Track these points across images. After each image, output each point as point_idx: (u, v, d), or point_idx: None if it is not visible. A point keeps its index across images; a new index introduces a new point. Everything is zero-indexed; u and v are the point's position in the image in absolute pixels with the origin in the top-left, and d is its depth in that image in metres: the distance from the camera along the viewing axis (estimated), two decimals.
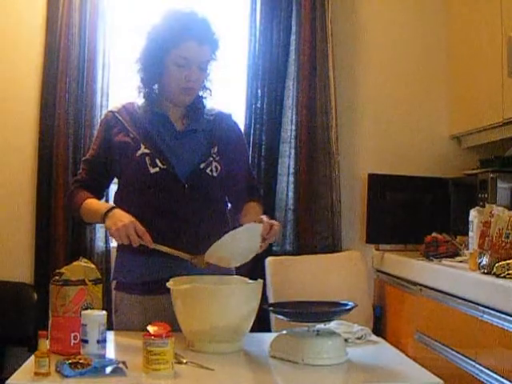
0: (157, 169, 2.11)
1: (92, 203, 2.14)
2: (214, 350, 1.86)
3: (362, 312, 3.18)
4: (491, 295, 2.30)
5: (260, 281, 1.94)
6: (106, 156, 2.18)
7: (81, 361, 1.63)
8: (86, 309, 1.81)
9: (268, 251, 3.01)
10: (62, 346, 1.79)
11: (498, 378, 2.22)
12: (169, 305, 1.94)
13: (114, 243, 3.03)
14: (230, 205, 2.31)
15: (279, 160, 3.51)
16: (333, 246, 3.48)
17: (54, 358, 1.66)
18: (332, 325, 1.98)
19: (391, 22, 3.70)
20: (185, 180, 2.12)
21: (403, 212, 3.48)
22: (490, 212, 2.45)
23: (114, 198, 2.24)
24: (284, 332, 1.87)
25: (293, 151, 3.50)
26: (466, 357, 2.45)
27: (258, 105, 3.49)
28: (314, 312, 1.90)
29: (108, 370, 1.65)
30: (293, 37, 3.51)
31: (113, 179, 2.29)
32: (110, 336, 1.95)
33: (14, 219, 3.42)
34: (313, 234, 3.47)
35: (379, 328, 3.29)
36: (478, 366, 2.36)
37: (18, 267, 3.39)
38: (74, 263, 1.90)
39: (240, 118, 3.31)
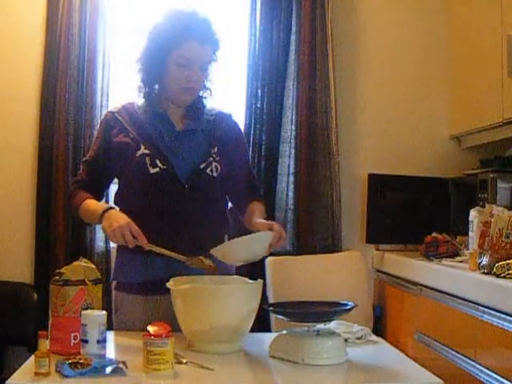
0: (157, 169, 2.11)
1: (90, 204, 2.14)
2: (214, 350, 1.86)
3: (362, 312, 3.18)
4: (491, 295, 2.30)
5: (260, 281, 1.94)
6: (106, 157, 2.18)
7: (81, 361, 1.63)
8: (86, 309, 1.81)
9: None
10: (62, 346, 1.79)
11: (498, 378, 2.22)
12: (169, 305, 1.94)
13: (113, 243, 3.03)
14: (230, 204, 2.31)
15: (279, 160, 3.51)
16: (333, 246, 3.48)
17: (54, 358, 1.66)
18: (332, 325, 1.98)
19: (391, 22, 3.70)
20: (185, 180, 2.12)
21: (403, 212, 3.48)
22: (490, 212, 2.45)
23: (114, 198, 2.24)
24: (284, 332, 1.87)
25: (293, 151, 3.50)
26: (466, 357, 2.45)
27: (258, 105, 3.49)
28: (314, 312, 1.90)
29: (108, 370, 1.65)
30: (293, 37, 3.51)
31: (113, 180, 2.29)
32: (110, 336, 1.95)
33: (14, 219, 3.42)
34: (313, 233, 3.47)
35: (379, 328, 3.29)
36: (477, 365, 2.36)
37: (18, 267, 3.39)
38: (74, 263, 1.90)
39: (240, 118, 3.30)
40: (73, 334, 1.79)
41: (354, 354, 1.86)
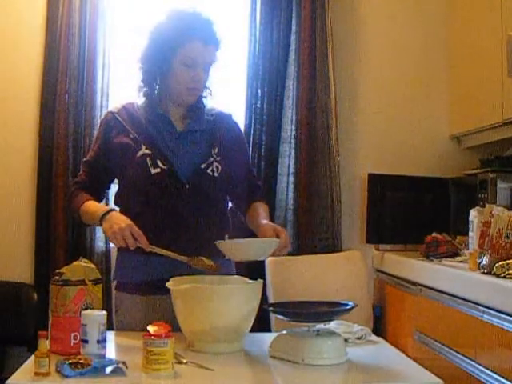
0: (158, 169, 2.11)
1: (90, 205, 2.14)
2: (214, 350, 1.86)
3: (362, 312, 3.18)
4: (491, 295, 2.30)
5: (260, 281, 1.94)
6: (106, 157, 2.18)
7: (81, 361, 1.63)
8: (86, 309, 1.81)
9: None
10: (62, 345, 1.79)
11: (498, 377, 2.22)
12: (170, 305, 1.94)
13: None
14: (230, 204, 2.31)
15: (279, 160, 3.51)
16: (333, 246, 3.48)
17: (54, 358, 1.66)
18: (332, 325, 1.98)
19: (391, 22, 3.70)
20: (186, 180, 2.12)
21: (403, 212, 3.48)
22: (490, 212, 2.45)
23: (114, 199, 2.24)
24: (284, 332, 1.87)
25: (293, 151, 3.50)
26: (466, 357, 2.45)
27: (258, 105, 3.49)
28: (314, 312, 1.90)
29: (108, 369, 1.65)
30: (293, 37, 3.51)
31: (113, 180, 2.29)
32: (110, 336, 1.95)
33: (14, 219, 3.42)
34: (313, 233, 3.47)
35: (379, 328, 3.29)
36: (477, 365, 2.36)
37: (18, 267, 3.39)
38: (74, 263, 1.90)
39: (240, 118, 3.30)
40: (73, 334, 1.79)
41: (354, 354, 1.86)
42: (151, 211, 2.11)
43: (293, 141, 3.50)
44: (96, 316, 1.76)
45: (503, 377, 2.19)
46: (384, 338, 2.25)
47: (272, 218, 2.20)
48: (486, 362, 2.32)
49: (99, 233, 3.36)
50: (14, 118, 3.45)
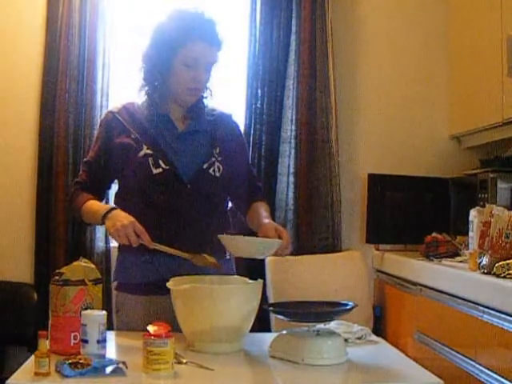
0: (160, 169, 2.11)
1: (92, 205, 2.14)
2: (214, 350, 1.86)
3: (362, 312, 3.18)
4: (491, 295, 2.30)
5: (260, 281, 1.94)
6: (107, 157, 2.18)
7: (81, 361, 1.63)
8: (86, 309, 1.81)
9: None
10: (62, 346, 1.79)
11: (498, 377, 2.22)
12: (170, 305, 1.94)
13: (114, 243, 3.03)
14: (230, 204, 2.31)
15: (279, 160, 3.51)
16: (333, 246, 3.48)
17: (54, 358, 1.66)
18: (332, 325, 1.98)
19: (391, 22, 3.70)
20: (188, 180, 2.12)
21: (403, 212, 3.48)
22: (490, 212, 2.45)
23: (115, 199, 2.24)
24: (284, 332, 1.87)
25: (293, 151, 3.50)
26: (466, 357, 2.45)
27: (258, 105, 3.49)
28: (314, 312, 1.90)
29: (108, 369, 1.65)
30: (293, 37, 3.51)
31: (114, 180, 2.28)
32: (111, 336, 1.95)
33: (14, 219, 3.42)
34: (313, 233, 3.47)
35: (379, 328, 3.29)
36: (477, 365, 2.36)
37: (18, 267, 3.39)
38: (74, 263, 1.90)
39: (240, 118, 3.30)
40: (73, 334, 1.79)
41: (354, 354, 1.86)
42: (152, 211, 2.11)
43: (293, 141, 3.51)
44: (96, 316, 1.76)
45: (503, 377, 2.19)
46: (384, 338, 2.25)
47: (272, 218, 2.20)
48: (486, 362, 2.32)
49: (99, 233, 3.36)
50: (14, 118, 3.45)
